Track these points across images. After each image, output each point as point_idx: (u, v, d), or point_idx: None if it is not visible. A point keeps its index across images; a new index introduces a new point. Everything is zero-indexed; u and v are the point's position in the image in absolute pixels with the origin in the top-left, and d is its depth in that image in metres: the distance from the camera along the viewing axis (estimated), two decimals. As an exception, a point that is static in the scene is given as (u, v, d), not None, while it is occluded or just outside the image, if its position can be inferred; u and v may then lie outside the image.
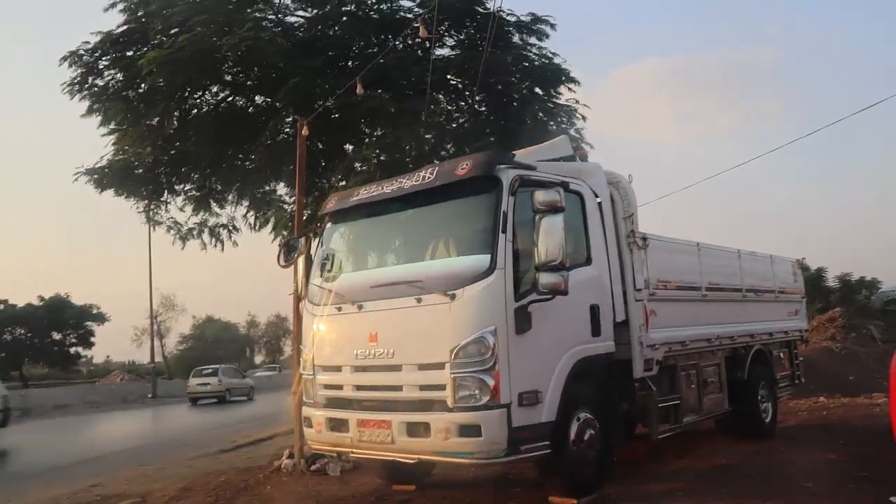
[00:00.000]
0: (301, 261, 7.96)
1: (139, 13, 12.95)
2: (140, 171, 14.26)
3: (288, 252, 7.82)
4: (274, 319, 66.00)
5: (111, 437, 19.99)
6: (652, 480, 7.57)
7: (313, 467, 9.20)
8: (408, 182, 6.96)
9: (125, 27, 13.00)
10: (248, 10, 12.91)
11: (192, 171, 14.75)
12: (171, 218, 15.65)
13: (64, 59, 12.86)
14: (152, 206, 15.19)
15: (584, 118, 14.26)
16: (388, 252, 7.43)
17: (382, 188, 7.23)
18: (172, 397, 33.31)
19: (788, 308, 11.15)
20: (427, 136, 13.85)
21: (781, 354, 10.95)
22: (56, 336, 49.65)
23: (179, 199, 15.10)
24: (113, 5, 12.90)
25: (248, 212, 15.13)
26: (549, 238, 6.02)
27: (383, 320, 6.59)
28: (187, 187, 15.08)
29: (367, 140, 14.21)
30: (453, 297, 6.10)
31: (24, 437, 19.29)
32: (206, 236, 15.44)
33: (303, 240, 8.07)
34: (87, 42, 12.93)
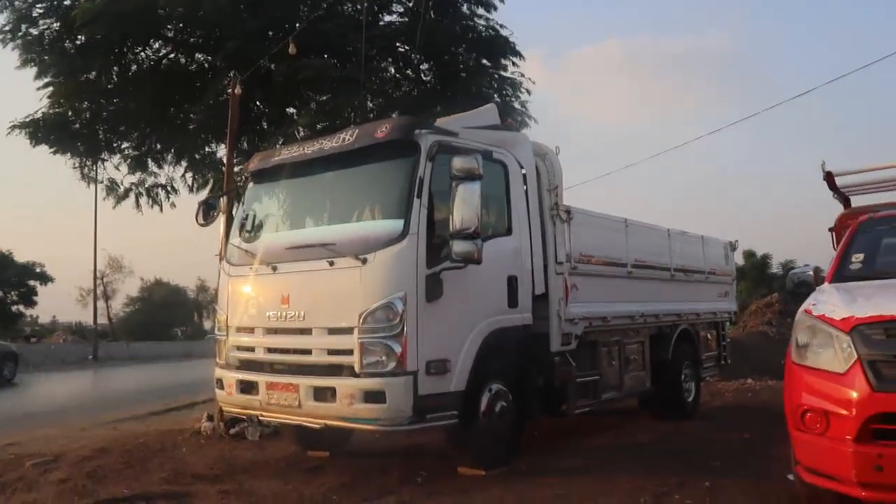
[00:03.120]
0: (223, 221, 7.83)
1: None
2: (76, 126, 13.89)
3: (207, 210, 7.67)
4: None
5: (42, 397, 19.59)
6: (566, 456, 7.55)
7: (232, 431, 9.08)
8: (328, 143, 6.84)
9: (61, -27, 12.61)
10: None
11: (130, 129, 14.40)
12: (109, 177, 15.30)
13: (-7, 3, 12.46)
14: (88, 164, 14.80)
15: (528, 92, 14.27)
16: (308, 214, 7.30)
17: (304, 149, 7.11)
18: (114, 360, 32.80)
19: (718, 290, 11.23)
20: (372, 104, 13.70)
21: (709, 335, 11.01)
22: (-4, 293, 48.57)
23: (116, 158, 14.76)
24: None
25: (185, 172, 14.82)
26: (465, 206, 5.94)
27: (296, 283, 6.50)
28: (125, 145, 14.74)
29: (311, 105, 14.01)
30: (364, 261, 6.02)
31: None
32: (143, 198, 15.13)
33: (223, 199, 7.91)
34: (20, -14, 12.53)
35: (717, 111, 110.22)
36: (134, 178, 14.82)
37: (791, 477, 5.04)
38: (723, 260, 11.47)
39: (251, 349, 6.90)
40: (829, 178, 7.80)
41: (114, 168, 14.76)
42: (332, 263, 6.21)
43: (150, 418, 12.66)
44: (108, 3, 11.48)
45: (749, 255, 39.83)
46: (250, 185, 7.73)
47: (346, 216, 6.80)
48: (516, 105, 14.06)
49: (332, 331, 6.19)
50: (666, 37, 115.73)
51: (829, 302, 4.87)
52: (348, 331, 6.03)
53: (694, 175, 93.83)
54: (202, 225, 7.65)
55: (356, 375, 5.96)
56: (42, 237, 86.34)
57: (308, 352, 6.37)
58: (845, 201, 8.27)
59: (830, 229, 8.00)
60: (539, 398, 7.40)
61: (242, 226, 7.42)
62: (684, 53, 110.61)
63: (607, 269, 8.41)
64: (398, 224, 6.08)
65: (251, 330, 6.89)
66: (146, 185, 15.01)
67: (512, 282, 6.92)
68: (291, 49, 10.35)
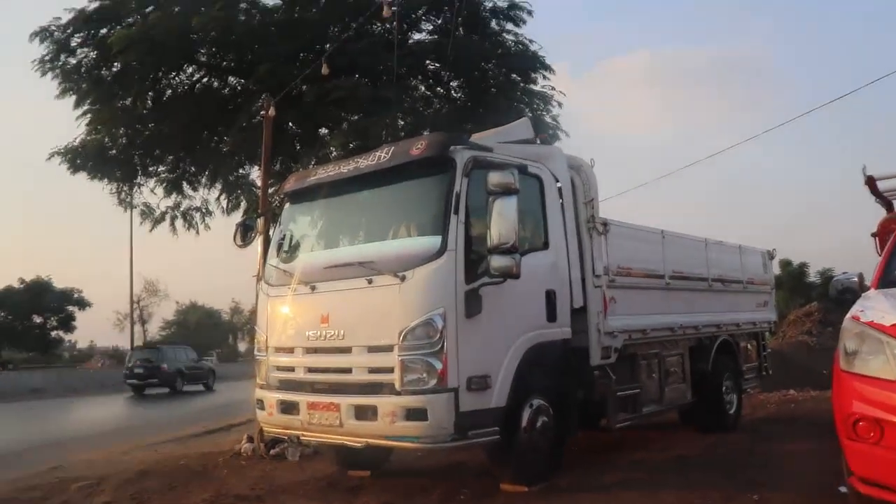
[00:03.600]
0: (260, 242, 7.90)
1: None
2: (113, 152, 14.14)
3: (245, 232, 7.74)
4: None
5: (83, 421, 19.81)
6: (607, 471, 7.46)
7: (272, 452, 9.11)
8: (364, 162, 6.87)
9: (98, 4, 12.88)
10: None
11: (166, 153, 14.63)
12: (145, 201, 15.55)
13: (35, 34, 12.72)
14: (125, 189, 15.04)
15: (560, 105, 14.27)
16: (345, 233, 7.33)
17: (339, 168, 7.15)
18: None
19: (757, 299, 11.08)
20: (403, 123, 13.77)
21: (749, 346, 10.86)
22: (37, 320, 49.15)
23: (152, 182, 15.01)
24: (86, -21, 12.72)
25: (220, 195, 15.01)
26: (502, 220, 5.92)
27: (335, 301, 6.51)
28: (160, 169, 14.97)
29: (343, 126, 14.11)
30: (403, 278, 6.01)
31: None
32: (178, 221, 15.34)
33: (260, 220, 7.97)
34: (59, 18, 12.83)
35: (749, 119, 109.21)
36: (169, 202, 15.07)
37: (843, 489, 4.94)
38: (761, 269, 11.32)
39: (291, 369, 6.90)
40: (870, 182, 7.67)
41: (150, 192, 15.02)
42: (370, 281, 6.21)
43: (190, 441, 12.74)
44: (142, 30, 11.70)
45: (786, 264, 39.28)
46: (287, 205, 7.80)
47: (383, 234, 6.82)
48: (548, 119, 14.07)
49: (373, 349, 6.18)
50: (693, 47, 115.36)
51: (878, 308, 4.77)
52: (388, 348, 6.01)
53: (729, 185, 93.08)
54: (240, 246, 7.71)
55: (397, 393, 5.93)
56: (80, 262, 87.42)
57: (348, 370, 6.36)
58: (888, 205, 8.11)
59: (873, 234, 7.85)
60: (579, 413, 7.33)
61: (280, 246, 7.45)
62: (713, 63, 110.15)
63: (645, 281, 8.33)
64: (436, 240, 6.07)
65: (291, 350, 6.90)
66: (181, 209, 15.24)
67: (550, 296, 6.87)
68: (324, 70, 10.44)
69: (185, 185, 15.05)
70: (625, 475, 7.31)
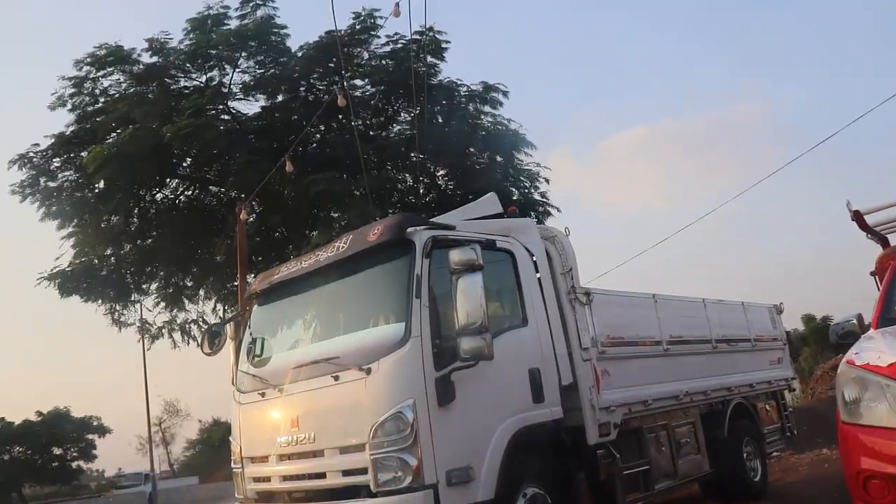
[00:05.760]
0: (231, 347, 7.57)
1: (89, 109, 12.97)
2: (104, 272, 14.07)
3: (212, 338, 7.41)
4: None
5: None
6: (623, 557, 6.89)
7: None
8: (324, 254, 6.62)
9: (76, 127, 13.03)
10: (197, 98, 12.83)
11: (157, 269, 14.57)
12: (142, 319, 15.46)
13: (13, 162, 12.81)
14: (118, 308, 14.93)
15: (547, 181, 14.10)
16: (312, 329, 6.97)
17: (301, 263, 6.88)
18: (174, 504, 32.24)
19: (770, 356, 10.52)
20: (392, 214, 13.64)
21: (767, 407, 10.27)
22: (56, 452, 48.37)
23: (150, 300, 14.96)
24: (62, 104, 12.91)
25: (215, 305, 14.87)
26: (467, 299, 5.57)
27: (304, 403, 6.12)
28: (155, 286, 14.90)
29: (333, 224, 14.03)
30: (369, 371, 5.63)
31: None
32: (176, 334, 15.21)
33: (229, 325, 7.64)
34: (37, 144, 12.96)
35: (752, 180, 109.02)
36: (166, 317, 14.98)
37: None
38: (769, 325, 10.81)
39: (267, 479, 6.48)
40: (857, 217, 7.26)
41: (146, 309, 14.97)
42: (336, 378, 5.83)
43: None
44: (116, 147, 11.72)
45: (808, 319, 38.21)
46: (255, 307, 7.52)
47: (349, 326, 6.47)
48: (536, 196, 13.90)
49: (344, 449, 5.75)
50: (687, 116, 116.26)
51: (874, 348, 4.35)
52: (360, 448, 5.59)
53: (733, 243, 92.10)
54: (208, 354, 7.38)
55: (374, 495, 5.48)
56: (95, 386, 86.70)
57: (322, 475, 5.92)
58: (882, 241, 7.66)
59: (872, 273, 7.40)
60: (585, 497, 6.80)
61: (249, 350, 7.13)
62: (709, 130, 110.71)
63: (640, 350, 7.88)
64: (399, 328, 5.72)
65: (265, 458, 6.48)
66: (178, 322, 15.11)
67: (534, 375, 6.45)
68: (288, 167, 10.32)
69: (185, 300, 15.00)
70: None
